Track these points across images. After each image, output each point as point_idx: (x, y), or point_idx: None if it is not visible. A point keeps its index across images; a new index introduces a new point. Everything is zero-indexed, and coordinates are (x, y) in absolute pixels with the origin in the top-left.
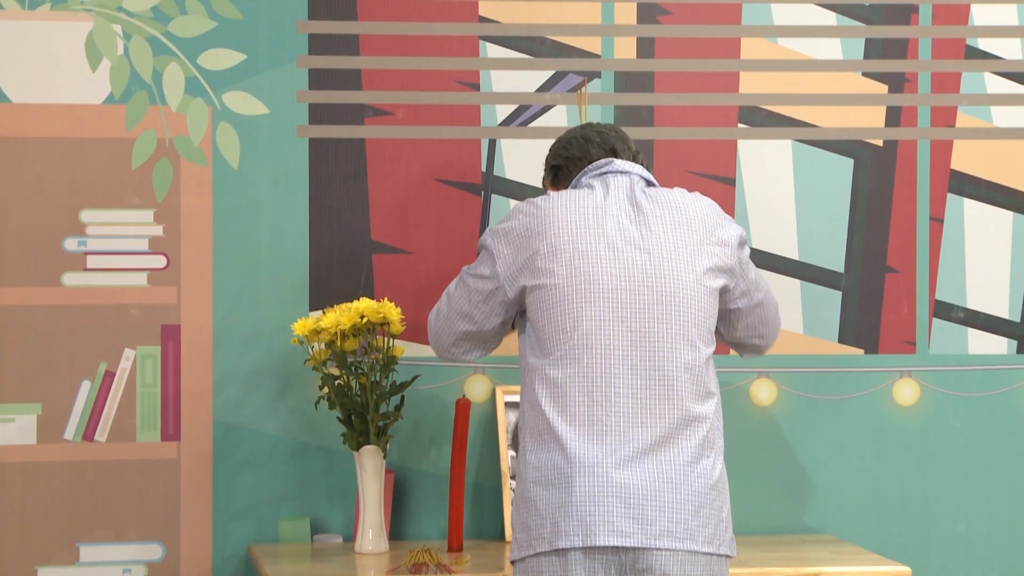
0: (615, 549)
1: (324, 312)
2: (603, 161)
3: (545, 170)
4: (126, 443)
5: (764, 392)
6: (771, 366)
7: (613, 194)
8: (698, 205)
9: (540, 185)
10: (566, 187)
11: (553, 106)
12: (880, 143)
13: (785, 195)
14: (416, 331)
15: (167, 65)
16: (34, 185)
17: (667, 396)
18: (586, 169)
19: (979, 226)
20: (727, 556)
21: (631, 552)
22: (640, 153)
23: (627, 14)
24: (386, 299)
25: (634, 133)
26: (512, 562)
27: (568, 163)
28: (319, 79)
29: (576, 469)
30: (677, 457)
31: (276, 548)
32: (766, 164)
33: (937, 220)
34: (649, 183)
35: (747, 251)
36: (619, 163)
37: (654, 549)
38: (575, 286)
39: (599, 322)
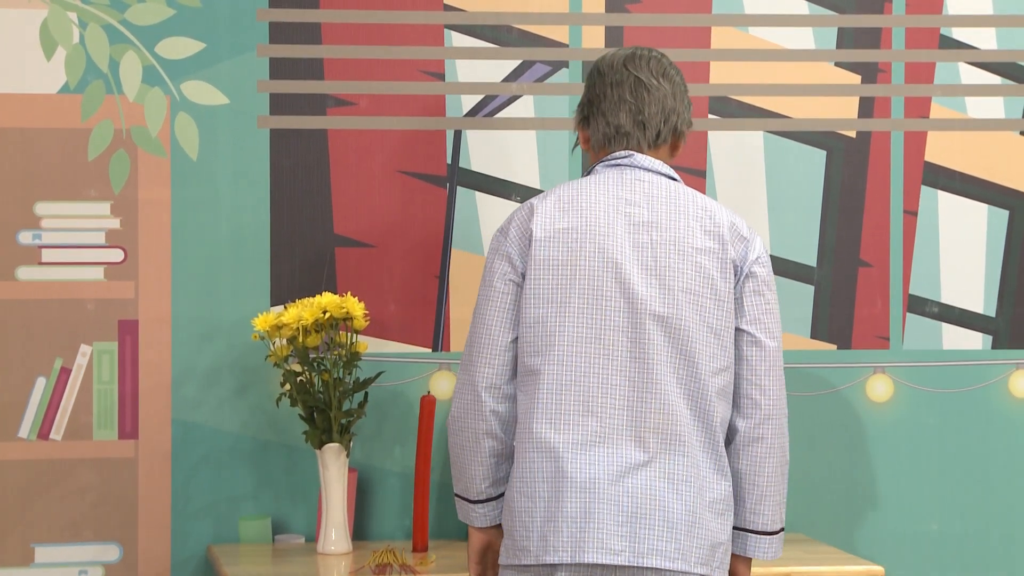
0: (603, 567)
1: (286, 307)
2: (623, 154)
3: (579, 105)
4: (82, 441)
5: None
6: None
7: (621, 191)
8: (716, 221)
9: (509, 177)
10: (592, 136)
11: (520, 96)
12: (853, 134)
13: (756, 187)
14: (380, 327)
15: (124, 54)
16: None
17: (663, 409)
18: (605, 158)
19: (954, 219)
20: None
21: (619, 570)
22: (677, 111)
23: (595, 2)
24: (349, 294)
25: None
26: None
27: (594, 114)
28: (280, 68)
29: (568, 482)
30: (674, 473)
31: (236, 548)
32: (737, 156)
33: (911, 213)
34: (672, 178)
35: (758, 282)
36: (639, 158)
37: (642, 568)
38: (566, 286)
39: (595, 331)
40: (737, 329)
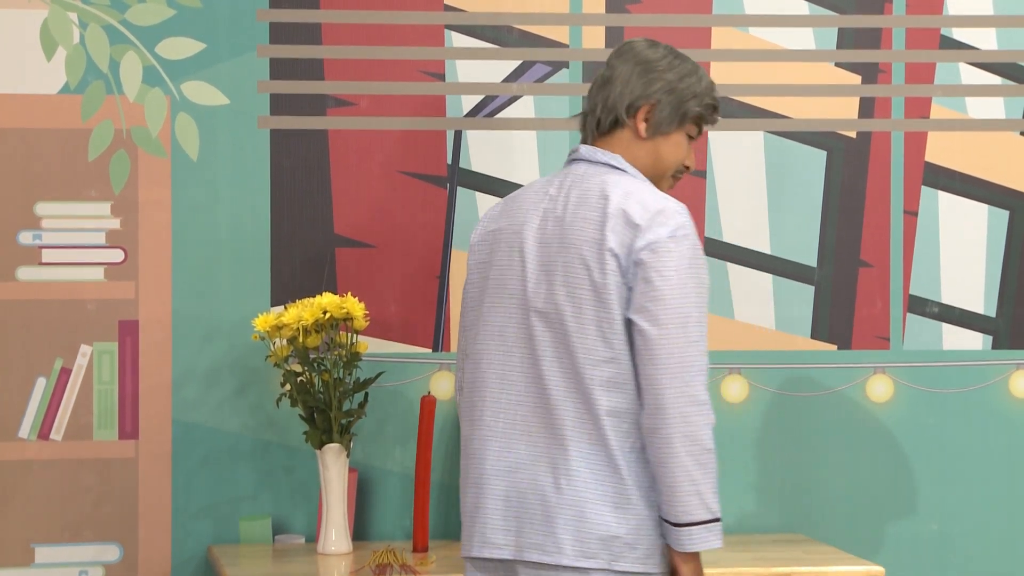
0: (491, 561)
1: (286, 307)
2: (574, 148)
3: None
4: (82, 441)
5: (735, 389)
6: (742, 362)
7: (550, 187)
8: (606, 210)
9: (509, 177)
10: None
11: (520, 97)
12: (853, 135)
13: (757, 188)
14: (380, 327)
15: (124, 54)
16: None
17: (547, 404)
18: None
19: (954, 219)
20: (627, 572)
21: (507, 564)
22: (621, 92)
23: (595, 2)
24: (349, 294)
25: None
26: None
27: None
28: (280, 69)
29: (470, 478)
30: (559, 467)
31: (237, 549)
32: (737, 156)
33: (911, 213)
34: (613, 167)
35: (646, 269)
36: (583, 150)
37: (522, 562)
38: (484, 287)
39: (497, 328)
40: (627, 319)
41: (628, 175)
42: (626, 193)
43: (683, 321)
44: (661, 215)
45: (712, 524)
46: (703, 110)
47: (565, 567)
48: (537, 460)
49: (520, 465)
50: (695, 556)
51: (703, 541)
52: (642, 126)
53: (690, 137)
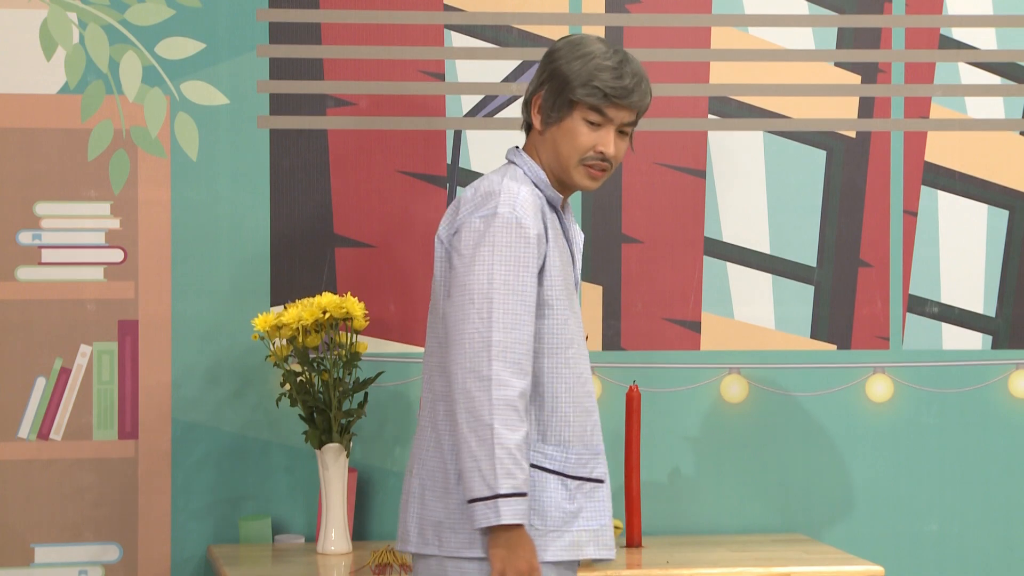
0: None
1: (285, 307)
2: None
3: None
4: (82, 441)
5: (735, 389)
6: (742, 362)
7: None
8: (462, 192)
9: None
10: None
11: (520, 96)
12: (853, 134)
13: (756, 188)
14: (379, 327)
15: (124, 54)
16: None
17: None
18: None
19: (953, 219)
20: (453, 557)
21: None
22: (534, 88)
23: (595, 2)
24: (349, 294)
25: None
26: None
27: None
28: (280, 69)
29: None
30: (416, 455)
31: (236, 549)
32: (737, 156)
33: (911, 213)
34: (510, 161)
35: (452, 250)
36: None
37: (411, 554)
38: None
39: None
40: None
41: (511, 166)
42: (477, 181)
43: (470, 297)
44: (486, 197)
45: (494, 501)
46: (588, 92)
47: (413, 554)
48: (423, 453)
49: (415, 458)
50: (499, 534)
51: (484, 518)
52: (536, 119)
53: (592, 123)
